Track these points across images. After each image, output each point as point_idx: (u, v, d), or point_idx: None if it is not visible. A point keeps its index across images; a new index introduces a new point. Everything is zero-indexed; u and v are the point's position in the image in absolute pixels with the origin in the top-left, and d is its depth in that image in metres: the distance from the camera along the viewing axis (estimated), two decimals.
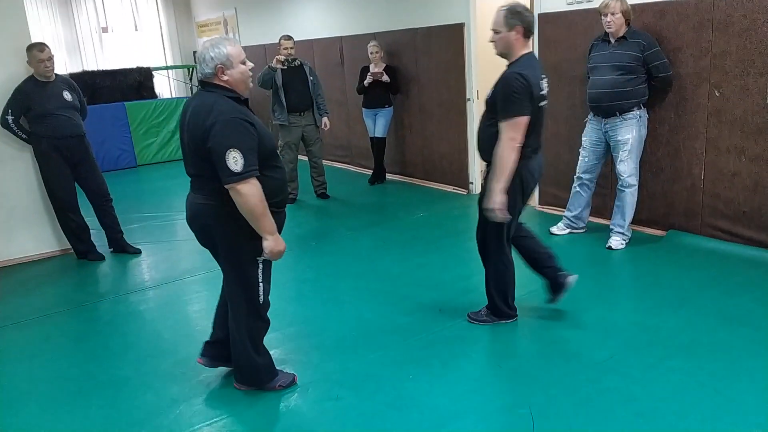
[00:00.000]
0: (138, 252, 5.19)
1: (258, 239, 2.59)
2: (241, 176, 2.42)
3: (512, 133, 2.97)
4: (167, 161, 9.45)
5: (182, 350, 3.43)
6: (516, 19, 3.00)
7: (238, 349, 2.87)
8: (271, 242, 2.58)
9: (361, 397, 2.86)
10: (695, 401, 2.64)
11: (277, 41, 6.25)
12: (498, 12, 3.06)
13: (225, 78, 2.55)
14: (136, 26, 11.61)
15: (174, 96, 11.30)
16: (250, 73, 2.63)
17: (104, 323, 3.89)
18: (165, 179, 8.33)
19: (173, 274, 4.66)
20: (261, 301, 2.79)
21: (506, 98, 2.96)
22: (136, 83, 9.68)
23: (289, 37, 6.22)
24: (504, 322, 3.46)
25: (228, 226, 2.61)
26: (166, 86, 11.52)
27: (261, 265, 2.73)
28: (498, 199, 3.01)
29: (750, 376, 2.80)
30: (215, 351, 3.05)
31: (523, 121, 2.97)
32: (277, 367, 3.02)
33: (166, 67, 11.05)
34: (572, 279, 3.46)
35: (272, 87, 6.17)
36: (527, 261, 3.52)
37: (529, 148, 3.09)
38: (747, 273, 3.90)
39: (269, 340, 3.44)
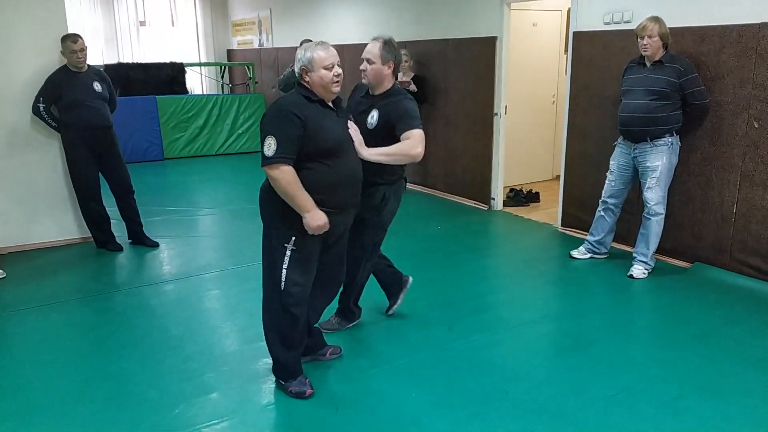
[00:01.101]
0: (156, 245, 5.20)
1: (289, 227, 2.71)
2: (269, 161, 2.59)
3: (422, 139, 3.08)
4: (194, 156, 9.52)
5: (189, 347, 3.41)
6: (390, 54, 3.15)
7: (267, 336, 2.95)
8: (307, 218, 2.67)
9: (360, 411, 2.79)
10: None
11: (299, 45, 6.25)
12: (373, 43, 3.17)
13: (306, 79, 2.74)
14: (172, 21, 11.77)
15: (205, 93, 11.40)
16: (336, 79, 2.73)
17: (115, 315, 3.89)
18: (190, 174, 8.38)
19: (188, 270, 4.66)
20: (282, 287, 2.78)
21: (407, 114, 3.08)
22: (168, 78, 9.79)
23: (311, 41, 6.20)
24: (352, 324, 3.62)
25: (267, 208, 2.80)
26: (198, 82, 11.64)
27: (288, 253, 2.75)
28: (376, 152, 2.97)
29: None
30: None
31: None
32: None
33: (200, 64, 11.16)
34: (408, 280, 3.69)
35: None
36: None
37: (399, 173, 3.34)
38: None
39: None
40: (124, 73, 9.31)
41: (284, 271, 2.77)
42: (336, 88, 2.76)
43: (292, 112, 2.63)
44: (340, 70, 2.75)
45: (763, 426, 2.65)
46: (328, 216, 2.73)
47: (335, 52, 2.78)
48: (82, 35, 4.81)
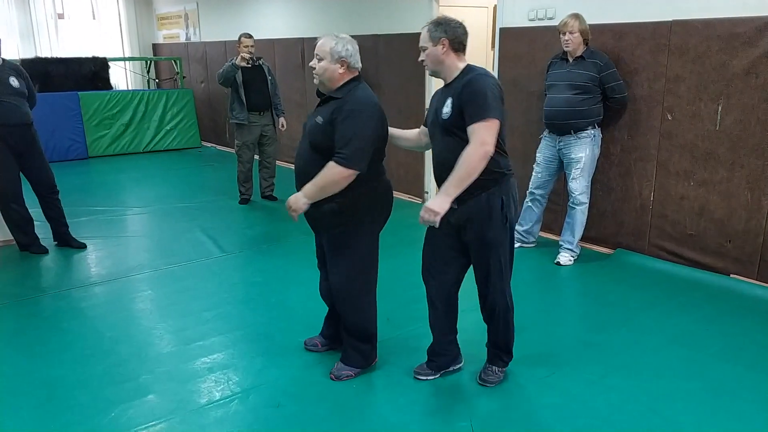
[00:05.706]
0: (83, 247, 5.02)
1: None
2: None
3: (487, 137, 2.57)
4: (120, 154, 9.22)
5: (123, 350, 3.33)
6: (439, 31, 2.66)
7: None
8: None
9: (303, 405, 2.82)
10: (632, 420, 2.69)
11: (237, 39, 6.17)
12: (423, 29, 2.74)
13: None
14: (93, 14, 11.29)
15: (130, 89, 11.03)
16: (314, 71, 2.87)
17: (43, 319, 3.74)
18: (116, 173, 8.11)
19: (118, 270, 4.52)
20: None
21: (477, 101, 2.56)
22: (90, 73, 9.41)
23: (250, 36, 6.16)
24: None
25: None
26: (122, 78, 11.23)
27: None
28: (446, 206, 2.58)
29: (686, 397, 2.87)
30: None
31: (497, 124, 2.60)
32: (221, 372, 3.04)
33: (124, 59, 10.79)
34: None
35: (232, 85, 6.10)
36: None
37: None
38: (689, 294, 4.01)
39: (214, 343, 3.40)
40: (42, 68, 8.86)
41: None
42: (314, 80, 2.90)
43: None
44: (313, 62, 2.85)
45: (680, 399, 2.85)
46: None
47: (321, 42, 2.85)
48: None
